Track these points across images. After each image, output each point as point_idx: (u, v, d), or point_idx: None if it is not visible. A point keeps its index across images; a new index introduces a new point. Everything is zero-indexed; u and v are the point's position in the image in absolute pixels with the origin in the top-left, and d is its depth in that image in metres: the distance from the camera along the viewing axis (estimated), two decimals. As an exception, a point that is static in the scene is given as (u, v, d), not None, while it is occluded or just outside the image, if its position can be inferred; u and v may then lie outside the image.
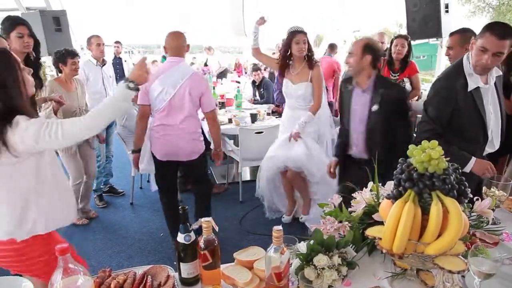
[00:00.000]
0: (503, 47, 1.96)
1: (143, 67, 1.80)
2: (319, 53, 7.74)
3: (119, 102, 1.69)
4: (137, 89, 1.74)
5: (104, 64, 4.48)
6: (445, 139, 2.02)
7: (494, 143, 2.29)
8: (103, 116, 1.64)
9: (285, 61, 3.45)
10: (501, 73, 2.26)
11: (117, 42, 6.83)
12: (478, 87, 2.14)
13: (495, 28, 1.97)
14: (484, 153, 2.29)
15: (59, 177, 1.75)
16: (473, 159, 2.12)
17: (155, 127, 3.00)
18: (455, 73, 2.20)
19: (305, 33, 3.36)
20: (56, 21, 5.24)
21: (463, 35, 2.80)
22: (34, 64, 2.85)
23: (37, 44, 2.81)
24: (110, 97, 1.73)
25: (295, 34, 3.31)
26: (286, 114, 3.66)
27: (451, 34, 2.99)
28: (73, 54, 3.51)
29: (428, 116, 2.23)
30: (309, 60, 3.42)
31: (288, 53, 3.40)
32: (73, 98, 3.53)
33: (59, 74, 3.58)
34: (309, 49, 3.41)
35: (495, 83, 2.23)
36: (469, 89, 2.13)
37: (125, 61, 6.80)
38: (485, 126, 2.20)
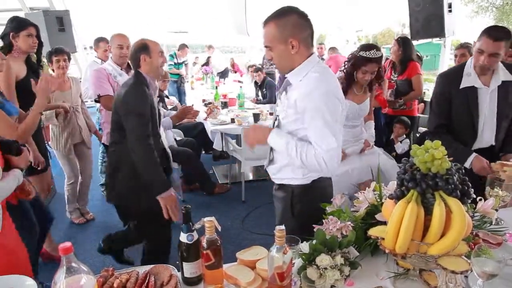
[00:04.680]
0: (498, 49, 2.12)
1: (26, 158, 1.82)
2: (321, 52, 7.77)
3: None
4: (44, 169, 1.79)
5: None
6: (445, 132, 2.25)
7: (483, 143, 2.37)
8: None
9: (348, 87, 2.90)
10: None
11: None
12: (475, 87, 2.27)
13: (491, 32, 2.15)
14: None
15: None
16: (474, 154, 2.25)
17: None
18: (455, 71, 2.38)
19: (379, 62, 2.79)
20: (59, 21, 5.27)
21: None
22: (35, 64, 2.90)
23: (40, 45, 2.87)
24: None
25: (366, 63, 2.75)
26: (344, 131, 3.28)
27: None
28: (58, 52, 3.38)
29: (432, 110, 2.44)
30: (370, 85, 3.01)
31: (354, 77, 2.88)
32: (67, 98, 3.48)
33: (53, 74, 3.50)
34: (378, 76, 2.93)
35: (502, 87, 2.27)
36: (461, 86, 2.28)
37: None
38: (474, 125, 2.31)
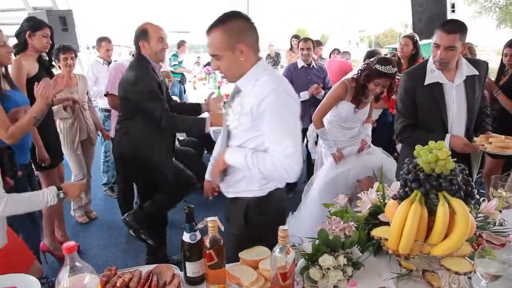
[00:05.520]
0: (453, 41, 2.11)
1: (81, 188, 1.92)
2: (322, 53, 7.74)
3: (42, 205, 1.73)
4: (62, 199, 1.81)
5: (110, 63, 4.51)
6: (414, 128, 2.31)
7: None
8: (21, 207, 1.66)
9: (359, 95, 2.93)
10: (476, 73, 2.28)
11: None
12: (440, 83, 2.27)
13: (445, 25, 2.15)
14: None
15: None
16: (449, 135, 2.26)
17: None
18: (419, 69, 2.38)
19: (392, 78, 2.80)
20: (62, 21, 5.29)
21: None
22: (47, 62, 3.02)
23: (52, 46, 2.97)
24: (39, 196, 1.72)
25: (381, 76, 2.77)
26: (338, 132, 3.18)
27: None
28: (66, 49, 3.41)
29: (398, 111, 2.45)
30: (378, 96, 3.02)
31: (366, 87, 2.89)
32: (73, 95, 3.49)
33: (60, 71, 3.54)
34: (390, 90, 2.93)
35: (467, 82, 2.27)
36: (425, 83, 2.28)
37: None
38: (444, 121, 2.30)
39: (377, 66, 2.77)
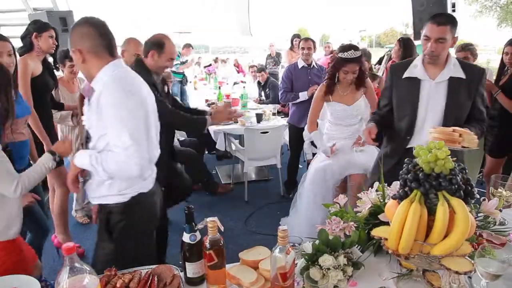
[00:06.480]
0: (443, 33, 2.08)
1: (70, 144, 2.04)
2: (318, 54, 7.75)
3: (46, 171, 1.88)
4: (61, 162, 1.93)
5: None
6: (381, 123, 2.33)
7: (422, 141, 2.15)
8: (34, 180, 1.81)
9: (331, 87, 2.98)
10: (462, 76, 2.17)
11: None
12: (419, 79, 2.23)
13: (435, 17, 2.13)
14: (412, 146, 2.25)
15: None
16: (371, 124, 2.31)
17: None
18: (404, 62, 2.39)
19: (358, 61, 2.84)
20: (63, 22, 5.27)
21: None
22: (51, 64, 3.11)
23: (57, 47, 3.03)
24: (39, 164, 1.87)
25: (346, 63, 2.81)
26: (337, 129, 3.18)
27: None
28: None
29: (382, 94, 2.51)
30: (359, 83, 3.00)
31: (335, 78, 2.95)
32: (75, 99, 3.51)
33: (62, 74, 3.59)
34: (360, 77, 2.95)
35: (451, 83, 2.18)
36: (403, 76, 2.27)
37: None
38: (412, 116, 2.26)
39: (340, 54, 2.83)
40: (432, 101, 2.22)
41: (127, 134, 1.53)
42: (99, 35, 1.62)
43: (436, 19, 2.10)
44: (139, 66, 2.53)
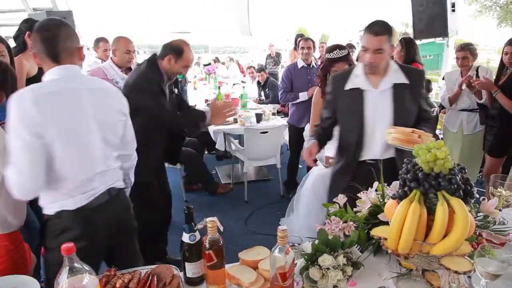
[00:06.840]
0: (380, 44, 2.02)
1: None
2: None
3: None
4: None
5: None
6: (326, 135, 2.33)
7: (373, 153, 2.17)
8: None
9: (325, 85, 2.88)
10: (405, 81, 2.12)
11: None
12: (362, 89, 2.13)
13: (371, 27, 2.05)
14: (365, 158, 2.18)
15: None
16: (312, 141, 2.25)
17: None
18: (345, 72, 2.29)
19: (345, 60, 2.86)
20: (63, 22, 5.27)
21: None
22: None
23: None
24: None
25: (333, 63, 2.86)
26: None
27: None
28: None
29: (324, 107, 2.41)
30: None
31: (327, 79, 2.92)
32: None
33: None
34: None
35: (396, 90, 2.12)
36: (345, 88, 2.17)
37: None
38: (360, 127, 2.14)
39: (327, 55, 2.88)
40: (378, 110, 2.13)
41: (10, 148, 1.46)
42: (40, 40, 1.59)
43: (372, 29, 2.03)
44: (151, 67, 2.53)
